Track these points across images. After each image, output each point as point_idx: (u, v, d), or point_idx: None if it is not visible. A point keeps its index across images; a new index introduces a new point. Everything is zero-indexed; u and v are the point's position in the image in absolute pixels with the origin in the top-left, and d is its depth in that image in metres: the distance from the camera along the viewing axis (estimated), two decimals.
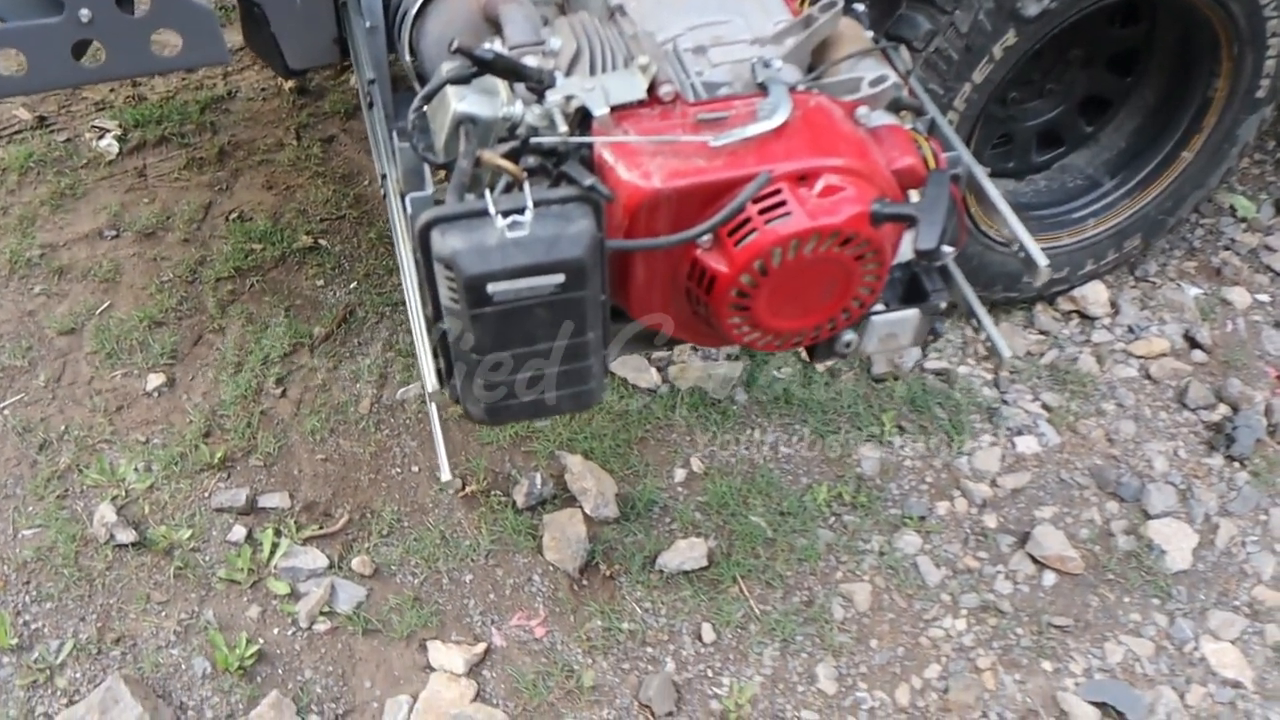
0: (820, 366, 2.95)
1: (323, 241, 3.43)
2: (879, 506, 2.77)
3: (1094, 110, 3.34)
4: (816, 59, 1.64)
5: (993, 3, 2.59)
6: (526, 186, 1.30)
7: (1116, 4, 2.89)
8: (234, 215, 3.50)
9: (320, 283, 3.29)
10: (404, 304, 3.16)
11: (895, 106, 1.59)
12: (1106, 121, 3.35)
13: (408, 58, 1.75)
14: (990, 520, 2.76)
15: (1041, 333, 3.30)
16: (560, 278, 1.29)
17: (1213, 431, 3.04)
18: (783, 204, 1.39)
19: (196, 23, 2.01)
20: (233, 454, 2.85)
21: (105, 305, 3.21)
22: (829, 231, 1.39)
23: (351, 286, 3.28)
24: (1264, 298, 3.47)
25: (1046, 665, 2.50)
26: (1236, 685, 2.49)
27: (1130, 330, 3.34)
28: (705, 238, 1.40)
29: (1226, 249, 3.63)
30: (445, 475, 1.47)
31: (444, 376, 1.46)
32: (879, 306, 1.67)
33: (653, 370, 3.01)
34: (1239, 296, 3.44)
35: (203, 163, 3.70)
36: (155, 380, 3.01)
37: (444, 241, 1.27)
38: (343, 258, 3.37)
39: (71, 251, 3.39)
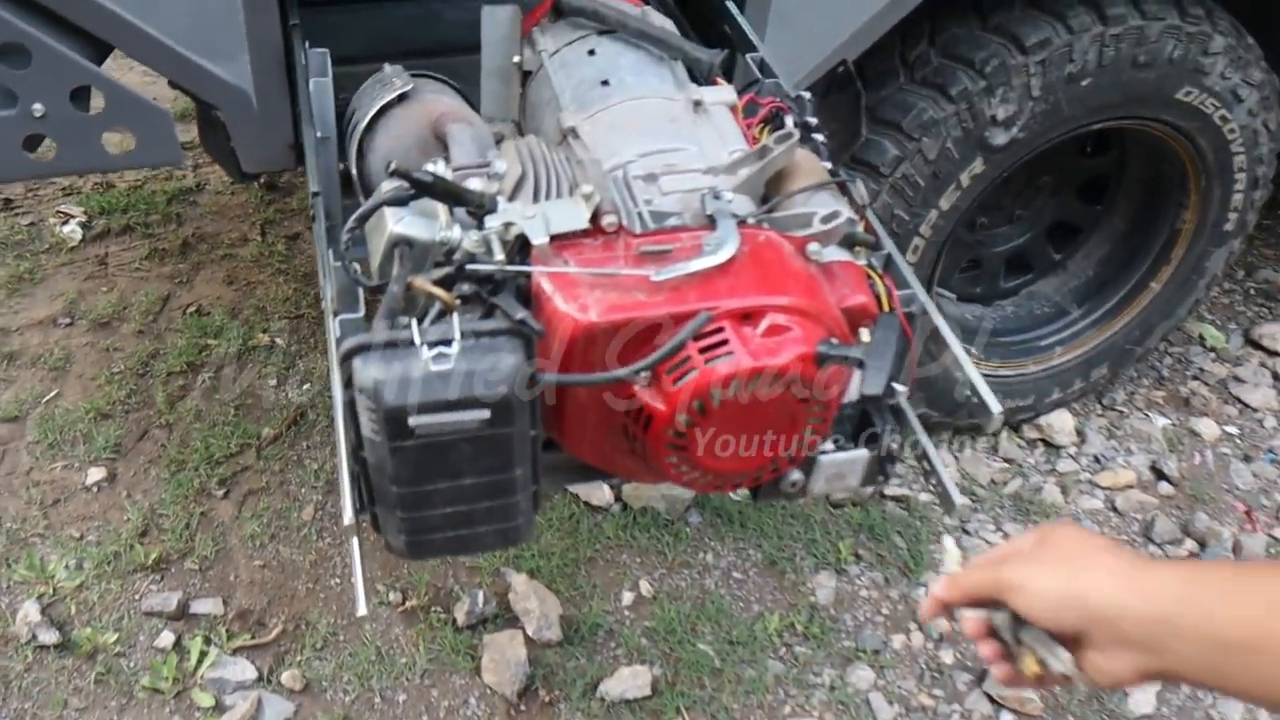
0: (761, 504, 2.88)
1: (279, 340, 3.37)
2: (832, 638, 2.68)
3: (1063, 237, 3.33)
4: (771, 190, 1.60)
5: (960, 131, 2.59)
6: (455, 317, 1.25)
7: (1086, 134, 2.90)
8: (191, 309, 3.44)
9: (273, 382, 3.23)
10: None
11: (849, 241, 1.55)
12: (1075, 249, 3.35)
13: (354, 170, 1.71)
14: (947, 656, 2.68)
15: (1006, 460, 3.25)
16: (485, 413, 1.23)
17: None
18: (724, 343, 1.34)
19: (151, 123, 1.98)
20: (168, 555, 2.76)
21: (52, 394, 3.13)
22: (772, 372, 1.34)
23: (305, 388, 3.21)
24: (1233, 429, 3.45)
25: None
26: None
27: (1096, 460, 3.30)
28: (643, 375, 1.34)
29: (1195, 379, 3.61)
30: (361, 609, 1.39)
31: (365, 505, 1.39)
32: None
33: (605, 488, 2.94)
34: (1207, 428, 3.42)
35: (165, 254, 3.66)
36: (96, 474, 2.92)
37: (365, 370, 1.21)
38: (298, 358, 3.31)
39: (24, 337, 3.32)
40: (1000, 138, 2.63)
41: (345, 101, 1.84)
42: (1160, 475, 3.26)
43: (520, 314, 1.25)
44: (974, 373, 1.51)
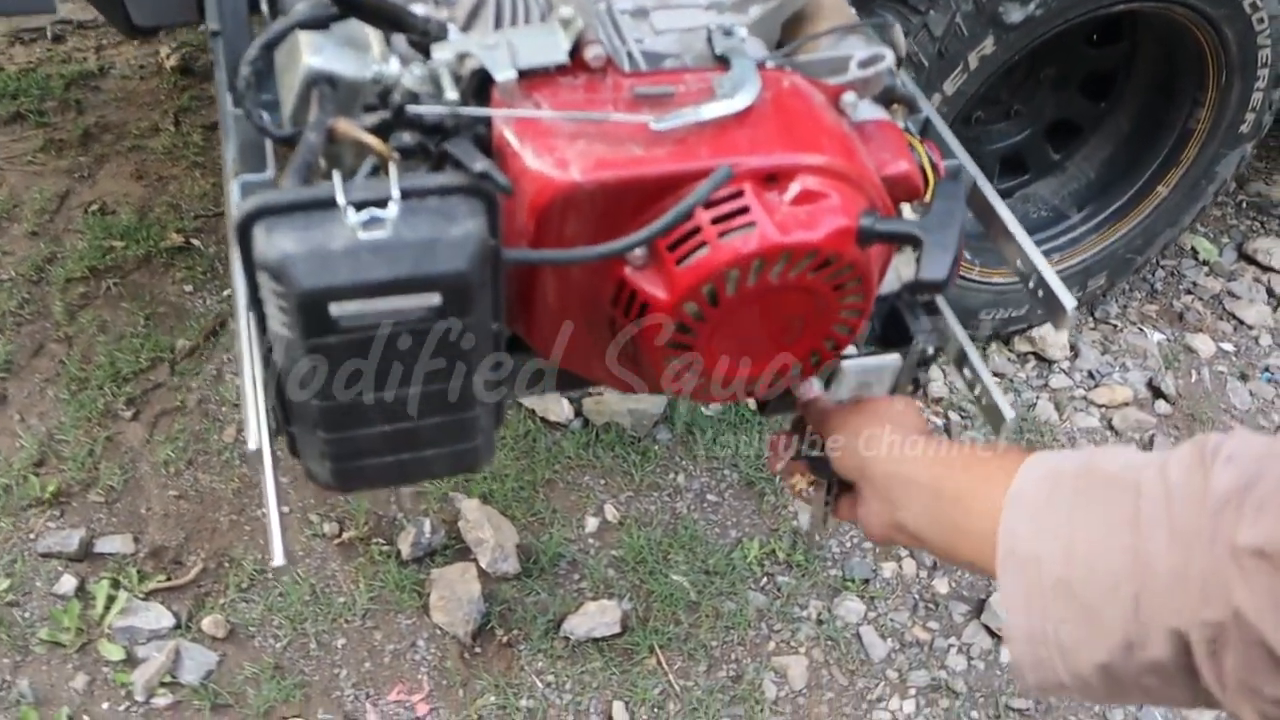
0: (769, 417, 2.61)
1: (195, 241, 3.00)
2: (817, 567, 2.43)
3: (1063, 137, 3.07)
4: (787, 36, 1.29)
5: (972, 5, 2.30)
6: (394, 170, 0.93)
7: (1098, 20, 2.62)
8: (94, 207, 3.06)
9: (189, 288, 2.87)
10: None
11: (886, 98, 1.25)
12: (1076, 149, 3.10)
13: (265, 6, 1.37)
14: (941, 586, 2.44)
15: (997, 375, 3.01)
16: (435, 298, 0.92)
17: None
18: (744, 210, 1.03)
19: None
20: (68, 487, 2.42)
21: None
22: (804, 251, 1.04)
23: (225, 294, 2.86)
24: (1228, 347, 3.24)
25: None
26: None
27: (1091, 376, 3.08)
28: (638, 252, 1.04)
29: (1189, 293, 3.40)
30: (277, 558, 1.09)
31: (280, 424, 1.08)
32: (850, 349, 1.33)
33: (565, 402, 2.64)
34: (1203, 344, 3.21)
35: (63, 145, 3.25)
36: None
37: (271, 242, 0.89)
38: (217, 260, 2.95)
39: None
40: (1015, 14, 2.33)
41: None
42: (1157, 393, 3.05)
43: (480, 164, 0.94)
44: (1041, 261, 1.23)
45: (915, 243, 1.05)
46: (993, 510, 0.93)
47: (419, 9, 1.10)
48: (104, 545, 2.33)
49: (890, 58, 1.17)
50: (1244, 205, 3.75)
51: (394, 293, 0.91)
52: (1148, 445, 2.87)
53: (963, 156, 1.31)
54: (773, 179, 1.06)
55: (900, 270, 1.34)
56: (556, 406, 2.63)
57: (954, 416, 2.86)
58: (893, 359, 1.34)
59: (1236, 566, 0.74)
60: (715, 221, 1.03)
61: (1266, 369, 3.19)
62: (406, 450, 1.05)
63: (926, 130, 1.37)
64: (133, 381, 2.62)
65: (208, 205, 3.09)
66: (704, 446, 2.62)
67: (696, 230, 1.03)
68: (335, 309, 0.90)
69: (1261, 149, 3.95)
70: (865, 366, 1.33)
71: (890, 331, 1.39)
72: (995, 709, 2.24)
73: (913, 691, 2.26)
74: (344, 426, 1.01)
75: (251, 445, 1.04)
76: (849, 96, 1.16)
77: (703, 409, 2.70)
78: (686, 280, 1.04)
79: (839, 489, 1.27)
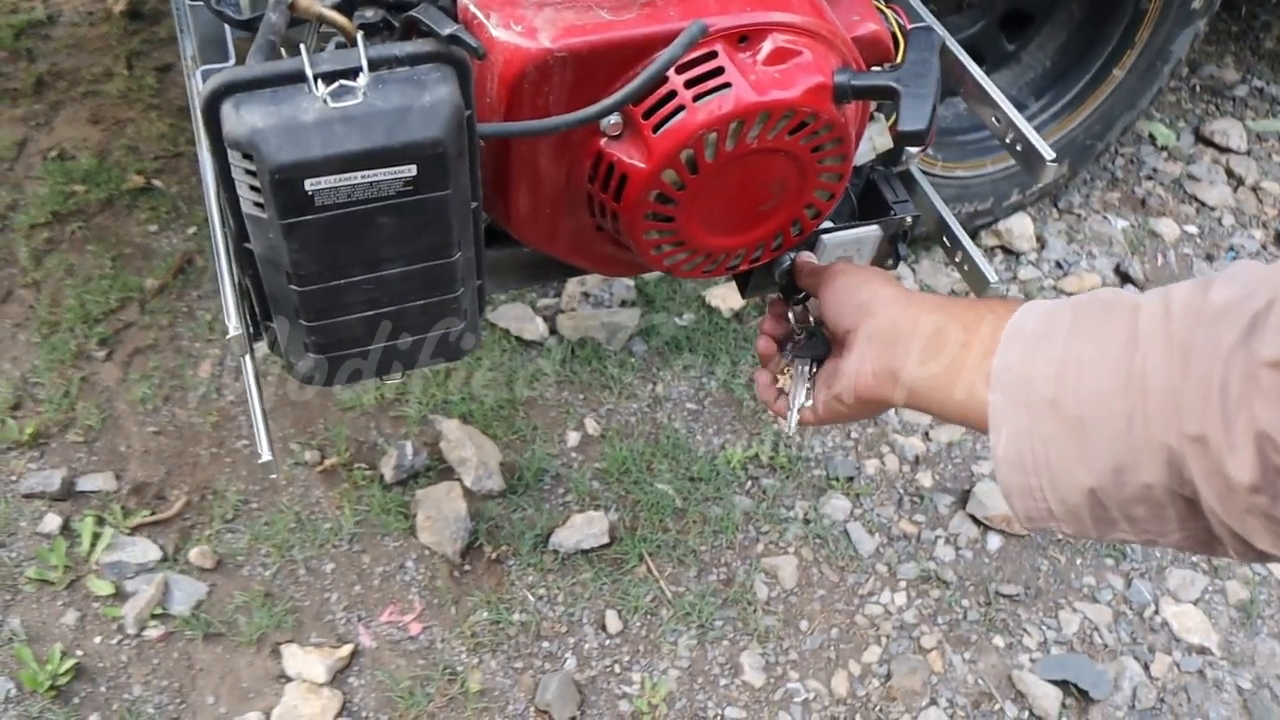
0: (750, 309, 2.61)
1: (156, 182, 2.95)
2: (800, 467, 2.44)
3: (1016, 26, 3.05)
4: None
5: None
6: (361, 41, 0.91)
7: None
8: (53, 153, 2.99)
9: (153, 228, 2.82)
10: None
11: None
12: (1030, 39, 3.07)
13: None
14: (925, 479, 2.46)
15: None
16: (411, 170, 0.90)
17: None
18: (719, 72, 1.02)
19: None
20: (47, 429, 2.39)
21: None
22: (781, 110, 1.03)
23: (190, 232, 2.81)
24: (1192, 229, 3.26)
25: (998, 641, 2.21)
26: (1203, 651, 2.23)
27: (1059, 265, 3.09)
28: (613, 120, 1.02)
29: (1149, 179, 3.41)
30: (265, 454, 1.08)
31: (257, 318, 1.06)
32: (827, 224, 1.32)
33: (538, 320, 2.62)
34: (1167, 228, 3.22)
35: (17, 94, 3.17)
36: None
37: (240, 119, 0.87)
38: (180, 199, 2.90)
39: None
40: None
41: None
42: (1125, 278, 3.07)
43: (450, 28, 0.91)
44: (1016, 114, 1.22)
45: (892, 95, 1.04)
46: (991, 344, 0.91)
47: None
48: (86, 484, 2.30)
49: None
50: (1198, 89, 3.75)
51: (369, 165, 0.89)
52: None
53: (929, 18, 1.30)
54: (745, 39, 1.05)
55: (874, 140, 1.33)
56: (530, 325, 2.61)
57: None
58: (872, 229, 1.34)
59: (1254, 383, 0.72)
60: (690, 85, 1.02)
61: (1231, 248, 3.21)
62: (391, 335, 1.04)
63: None
64: (104, 322, 2.58)
65: (166, 146, 3.02)
66: (681, 356, 2.61)
67: (672, 95, 1.02)
68: (310, 184, 0.88)
69: (1211, 31, 3.95)
70: (845, 239, 1.33)
71: (868, 204, 1.38)
72: (985, 596, 2.27)
73: (903, 584, 2.28)
74: (326, 312, 0.99)
75: (232, 331, 1.02)
76: None
77: (677, 319, 2.70)
78: (664, 147, 1.03)
79: (817, 365, 1.23)
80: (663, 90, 1.01)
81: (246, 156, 0.88)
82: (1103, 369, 0.83)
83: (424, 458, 2.33)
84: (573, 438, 2.44)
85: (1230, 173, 3.45)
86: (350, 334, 1.02)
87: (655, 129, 1.02)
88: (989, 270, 1.31)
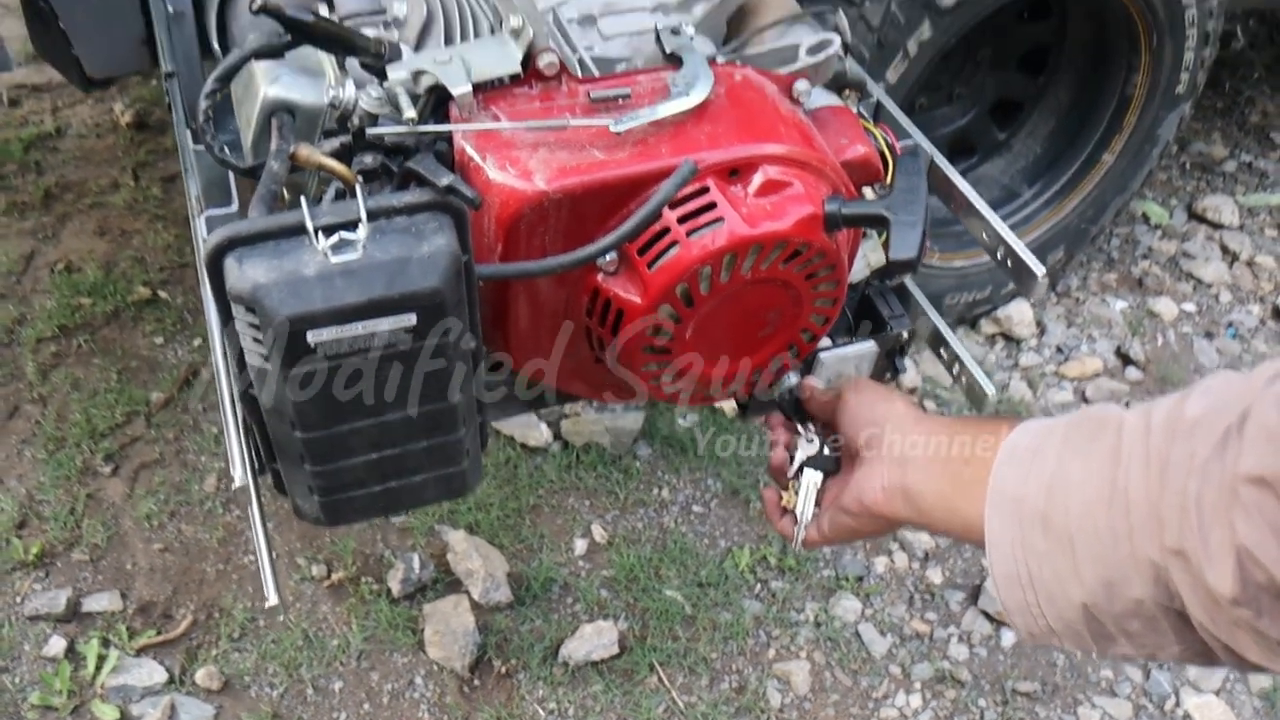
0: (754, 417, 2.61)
1: (162, 293, 2.98)
2: (809, 568, 2.42)
3: (1006, 115, 3.10)
4: (733, 31, 1.30)
5: None
6: (360, 192, 0.93)
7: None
8: (60, 266, 3.03)
9: (159, 340, 2.85)
10: None
11: (837, 84, 1.26)
12: (1020, 127, 3.12)
13: (217, 44, 1.36)
14: (935, 575, 2.44)
15: None
16: (410, 318, 0.91)
17: None
18: (711, 207, 1.03)
19: None
20: (52, 548, 2.39)
21: None
22: (774, 241, 1.04)
23: (196, 344, 2.83)
24: (1190, 307, 3.28)
25: None
26: None
27: (1059, 350, 3.10)
28: (610, 258, 1.03)
29: (1145, 258, 3.44)
30: (271, 598, 1.07)
31: (264, 462, 1.07)
32: (825, 341, 1.33)
33: (543, 426, 2.63)
34: (1165, 307, 3.24)
35: (25, 207, 3.22)
36: None
37: (243, 273, 0.88)
38: (185, 310, 2.93)
39: None
40: None
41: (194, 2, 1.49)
42: (1126, 360, 3.08)
43: (447, 179, 0.93)
44: (1006, 230, 1.24)
45: (882, 223, 1.06)
46: (989, 464, 0.93)
47: (369, 32, 1.09)
48: (91, 604, 2.29)
49: (837, 43, 1.18)
50: (1188, 166, 3.80)
51: (370, 315, 0.90)
52: None
53: (917, 135, 1.32)
54: (735, 172, 1.06)
55: (869, 257, 1.35)
56: (535, 431, 2.62)
57: (929, 405, 2.86)
58: (869, 346, 1.34)
59: (1234, 497, 0.73)
60: (683, 220, 1.04)
61: (1230, 324, 3.23)
62: (394, 478, 1.04)
63: (879, 114, 1.37)
64: (110, 437, 2.59)
65: (172, 257, 3.06)
66: (685, 458, 2.61)
67: (665, 231, 1.04)
68: (312, 336, 0.89)
69: (1198, 109, 4.01)
70: (843, 356, 1.33)
71: (863, 319, 1.39)
72: (1002, 694, 2.24)
73: (918, 685, 2.25)
74: (330, 457, 1.00)
75: (237, 482, 1.03)
76: (801, 84, 1.16)
77: (680, 420, 2.70)
78: (660, 282, 1.04)
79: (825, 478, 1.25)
80: (656, 227, 1.03)
81: (250, 310, 0.89)
82: (1089, 485, 0.84)
83: (431, 570, 2.32)
84: (580, 545, 2.43)
85: (1225, 248, 3.48)
86: (354, 477, 1.03)
87: (650, 265, 1.04)
88: (987, 383, 1.32)
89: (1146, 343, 3.14)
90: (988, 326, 3.12)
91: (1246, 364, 3.11)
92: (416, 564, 2.30)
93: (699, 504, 2.54)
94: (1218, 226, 3.55)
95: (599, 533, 2.45)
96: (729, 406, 2.72)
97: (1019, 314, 3.14)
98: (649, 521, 2.49)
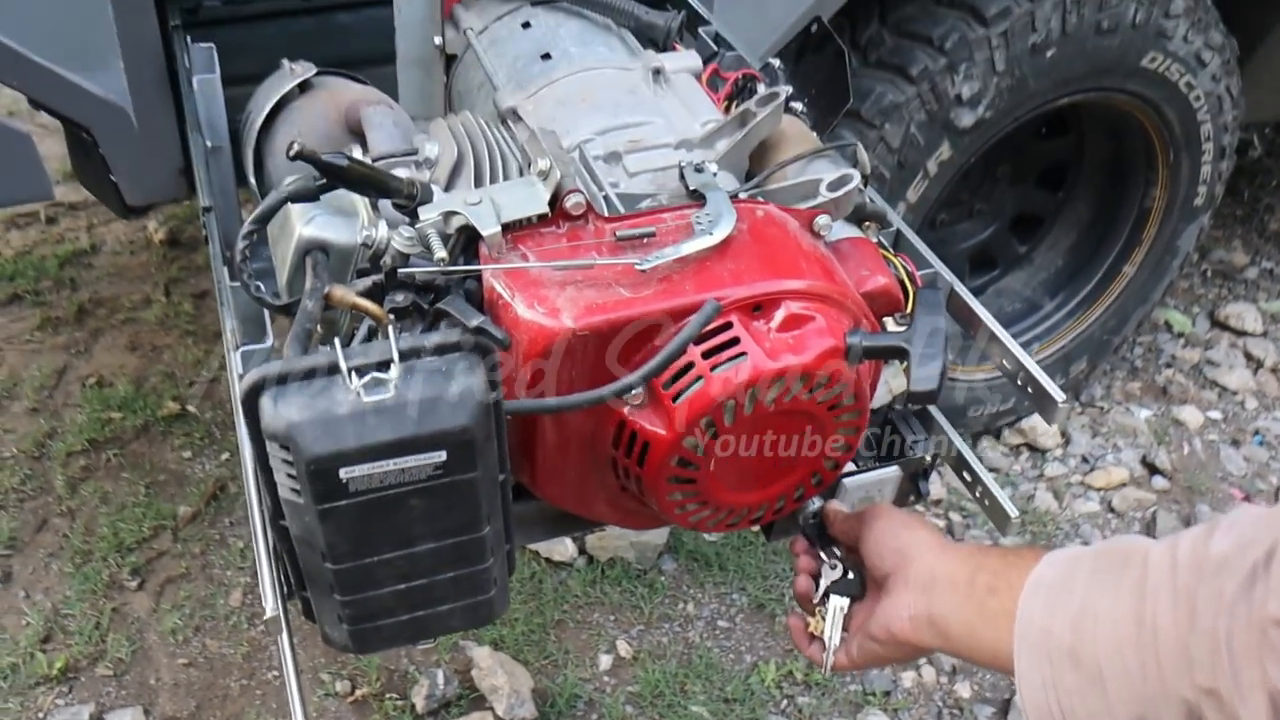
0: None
1: (191, 408, 3.02)
2: (836, 683, 2.40)
3: (1026, 229, 3.14)
4: (754, 165, 1.34)
5: (924, 114, 2.37)
6: (392, 332, 0.96)
7: (1046, 115, 2.71)
8: (91, 380, 3.09)
9: (188, 455, 2.88)
10: None
11: (858, 216, 1.29)
12: (1040, 240, 3.16)
13: (254, 180, 1.41)
14: (964, 689, 2.42)
15: (991, 470, 3.01)
16: (441, 455, 0.94)
17: None
18: (735, 342, 1.06)
19: (11, 151, 1.67)
20: (76, 662, 2.40)
21: None
22: (796, 374, 1.06)
23: (223, 458, 2.87)
24: (1215, 415, 3.28)
25: None
26: None
27: (1085, 460, 3.09)
28: (636, 392, 1.06)
29: (1169, 366, 3.44)
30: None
31: (293, 589, 1.08)
32: (849, 465, 1.34)
33: (568, 541, 2.63)
34: (1190, 415, 3.24)
35: (59, 323, 3.29)
36: None
37: (277, 411, 0.91)
38: (214, 425, 2.97)
39: None
40: (967, 118, 2.41)
41: (239, 122, 1.55)
42: (1152, 469, 3.07)
43: (476, 320, 0.96)
44: (1024, 356, 1.26)
45: (903, 355, 1.08)
46: (1016, 594, 0.94)
47: (401, 173, 1.14)
48: (114, 719, 2.29)
49: (857, 178, 1.21)
50: (1209, 274, 3.82)
51: (401, 453, 0.92)
52: (1151, 523, 2.87)
53: (937, 264, 1.35)
54: (758, 307, 1.09)
55: (890, 383, 1.36)
56: (560, 546, 2.62)
57: (955, 517, 2.86)
58: (892, 471, 1.36)
59: (1263, 638, 0.74)
60: (707, 355, 1.06)
61: (1256, 432, 3.22)
62: (423, 607, 1.06)
63: (899, 242, 1.41)
64: (136, 551, 2.61)
65: (201, 372, 3.11)
66: (710, 573, 2.61)
67: (690, 366, 1.06)
68: (344, 473, 0.92)
69: (1217, 216, 4.05)
70: (866, 481, 1.35)
71: (887, 443, 1.41)
72: None
73: None
74: (359, 588, 1.02)
75: (269, 613, 1.04)
76: (822, 219, 1.20)
77: (705, 536, 2.70)
78: (685, 415, 1.06)
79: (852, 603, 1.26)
80: (681, 361, 1.05)
81: (284, 447, 0.92)
82: (1117, 620, 0.85)
83: (455, 686, 2.31)
84: (605, 661, 2.42)
85: (1249, 355, 3.48)
86: (383, 606, 1.04)
87: (675, 398, 1.06)
88: (1010, 506, 1.33)
89: (1172, 451, 3.13)
90: (1012, 437, 3.13)
91: (1275, 471, 3.09)
92: (441, 680, 2.30)
93: (724, 619, 2.53)
94: (1241, 333, 3.56)
95: (624, 648, 2.44)
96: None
97: (1043, 424, 3.14)
98: (674, 636, 2.48)
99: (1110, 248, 3.08)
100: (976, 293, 3.05)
